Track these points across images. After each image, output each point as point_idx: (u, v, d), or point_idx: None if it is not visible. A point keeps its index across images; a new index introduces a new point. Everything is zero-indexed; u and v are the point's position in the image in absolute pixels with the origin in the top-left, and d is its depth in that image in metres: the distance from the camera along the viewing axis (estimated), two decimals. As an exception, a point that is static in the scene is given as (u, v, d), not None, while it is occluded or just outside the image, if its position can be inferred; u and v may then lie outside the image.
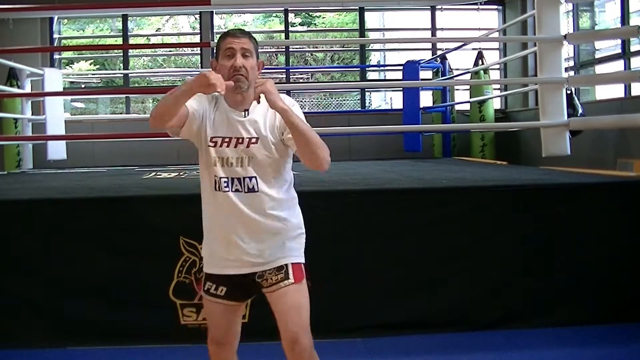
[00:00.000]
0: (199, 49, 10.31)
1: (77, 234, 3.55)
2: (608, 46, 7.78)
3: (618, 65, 7.27)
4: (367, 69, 10.76)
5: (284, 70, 10.47)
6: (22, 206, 3.72)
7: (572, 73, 7.60)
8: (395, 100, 11.27)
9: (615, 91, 7.34)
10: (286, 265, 2.26)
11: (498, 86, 9.73)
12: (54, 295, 3.51)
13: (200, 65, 10.16)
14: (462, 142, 9.05)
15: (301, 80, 11.99)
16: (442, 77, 8.97)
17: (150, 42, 11.98)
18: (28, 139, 8.13)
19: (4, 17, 7.75)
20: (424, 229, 3.68)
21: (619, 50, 7.16)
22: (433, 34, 9.93)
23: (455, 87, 9.31)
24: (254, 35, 2.32)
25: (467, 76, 8.98)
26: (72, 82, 10.16)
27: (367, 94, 10.65)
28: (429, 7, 9.92)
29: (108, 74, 11.54)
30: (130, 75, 10.20)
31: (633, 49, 6.99)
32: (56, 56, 9.90)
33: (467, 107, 9.14)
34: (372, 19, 11.82)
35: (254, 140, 2.23)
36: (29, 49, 8.50)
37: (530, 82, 8.20)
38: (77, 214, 3.62)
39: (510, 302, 3.70)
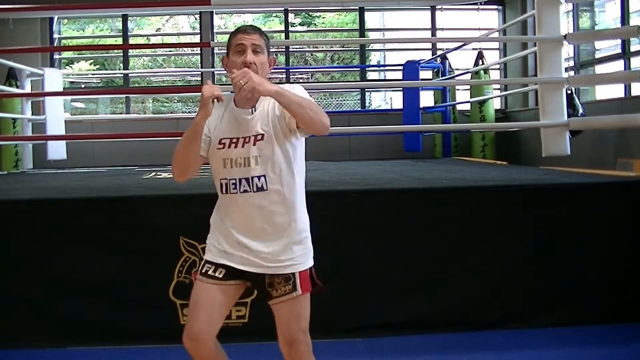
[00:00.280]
0: (199, 49, 10.31)
1: (77, 234, 3.55)
2: (608, 46, 7.78)
3: (618, 65, 7.27)
4: (367, 69, 10.76)
5: (284, 70, 10.47)
6: (22, 206, 3.72)
7: (572, 73, 7.60)
8: (395, 100, 11.27)
9: (615, 91, 7.34)
10: (294, 275, 2.24)
11: (498, 86, 9.73)
12: (54, 295, 3.51)
13: (200, 65, 10.16)
14: (463, 142, 9.06)
15: (301, 80, 11.99)
16: (442, 77, 8.97)
17: (150, 42, 11.99)
18: (28, 139, 8.14)
19: (4, 17, 7.75)
20: (424, 229, 3.68)
21: (619, 50, 7.17)
22: (433, 34, 9.94)
23: (456, 87, 9.31)
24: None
25: (467, 76, 8.98)
26: (72, 82, 10.17)
27: (367, 94, 10.65)
28: (429, 7, 9.93)
29: (108, 74, 11.54)
30: (130, 75, 10.21)
31: (633, 49, 6.99)
32: (56, 56, 9.90)
33: (467, 107, 9.14)
34: (372, 19, 11.83)
35: (259, 137, 2.22)
36: (29, 49, 8.50)
37: (530, 82, 8.20)
38: (77, 214, 3.62)
39: (510, 302, 3.70)
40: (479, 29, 8.72)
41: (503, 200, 3.76)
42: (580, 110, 5.38)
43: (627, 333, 3.56)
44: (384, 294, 3.62)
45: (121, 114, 10.68)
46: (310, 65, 12.97)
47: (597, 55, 8.06)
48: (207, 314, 2.24)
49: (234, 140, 2.24)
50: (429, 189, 3.98)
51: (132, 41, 10.47)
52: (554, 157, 5.05)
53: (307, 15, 12.97)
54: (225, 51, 2.33)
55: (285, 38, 10.27)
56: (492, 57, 9.88)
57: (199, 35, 10.23)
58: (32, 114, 8.17)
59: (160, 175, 5.76)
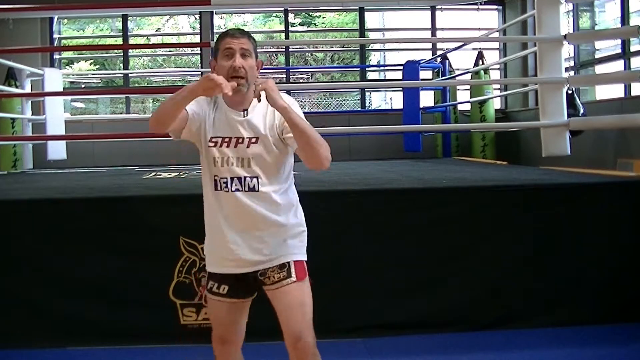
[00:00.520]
0: (199, 49, 10.32)
1: (77, 234, 3.55)
2: (608, 46, 7.78)
3: (618, 65, 7.27)
4: (367, 69, 10.76)
5: (284, 70, 10.47)
6: (22, 206, 3.72)
7: (572, 73, 7.60)
8: (395, 100, 11.27)
9: (615, 91, 7.34)
10: (288, 263, 2.26)
11: (498, 86, 9.73)
12: (54, 295, 3.51)
13: (200, 65, 10.17)
14: (463, 142, 9.06)
15: (301, 80, 11.99)
16: (442, 77, 8.97)
17: (150, 42, 11.99)
18: (28, 139, 8.13)
19: (4, 17, 7.74)
20: (424, 229, 3.68)
21: (619, 50, 7.17)
22: (433, 34, 9.93)
23: (457, 87, 9.31)
24: (252, 34, 2.33)
25: (468, 76, 8.98)
26: (72, 82, 10.17)
27: (367, 94, 10.65)
28: (429, 7, 9.92)
29: (108, 74, 11.54)
30: (130, 75, 10.20)
31: (633, 49, 6.99)
32: (56, 56, 9.90)
33: (467, 107, 9.14)
34: (372, 19, 11.83)
35: (254, 140, 2.23)
36: (29, 49, 8.50)
37: (530, 82, 8.20)
38: (77, 214, 3.62)
39: (510, 302, 3.70)
40: (479, 29, 8.72)
41: (503, 200, 3.76)
42: (582, 110, 5.38)
43: (627, 333, 3.56)
44: (384, 294, 3.62)
45: (121, 114, 10.68)
46: (310, 65, 12.97)
47: (597, 55, 8.06)
48: (229, 321, 2.34)
49: (226, 139, 2.24)
50: (429, 189, 3.98)
51: (132, 41, 10.47)
52: (554, 157, 5.04)
53: (307, 15, 12.97)
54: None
55: (285, 38, 10.27)
56: (492, 57, 9.88)
57: (199, 35, 10.23)
58: (32, 114, 8.17)
59: (160, 175, 5.76)
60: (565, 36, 4.98)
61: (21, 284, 3.51)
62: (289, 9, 10.13)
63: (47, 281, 3.52)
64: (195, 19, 11.12)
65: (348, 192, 3.81)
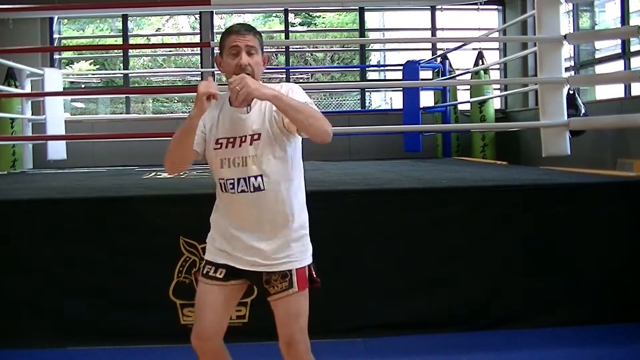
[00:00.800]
0: (199, 49, 10.32)
1: (77, 234, 3.55)
2: (608, 46, 7.79)
3: (618, 65, 7.27)
4: (367, 69, 10.76)
5: (284, 70, 10.48)
6: (22, 206, 3.72)
7: (572, 73, 7.60)
8: (395, 100, 11.27)
9: (615, 91, 7.34)
10: (290, 272, 2.25)
11: (498, 86, 9.73)
12: (54, 295, 3.51)
13: (200, 65, 10.17)
14: (463, 142, 9.06)
15: (301, 80, 11.99)
16: (442, 77, 8.97)
17: (150, 42, 11.99)
18: (28, 139, 8.13)
19: (4, 17, 7.75)
20: (424, 229, 3.68)
21: (619, 50, 7.17)
22: (433, 34, 9.94)
23: (458, 87, 9.31)
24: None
25: (467, 76, 8.98)
26: (72, 82, 10.17)
27: (367, 94, 10.65)
28: (429, 7, 9.93)
29: (108, 74, 11.54)
30: (130, 75, 10.21)
31: (633, 49, 6.99)
32: (56, 56, 9.90)
33: (467, 107, 9.15)
34: (372, 19, 11.83)
35: (256, 136, 2.21)
36: (29, 49, 8.50)
37: (530, 82, 8.20)
38: (77, 214, 3.62)
39: (510, 302, 3.70)
40: (479, 29, 8.72)
41: (503, 200, 3.76)
42: (583, 111, 5.38)
43: (627, 333, 3.56)
44: (384, 294, 3.62)
45: (121, 114, 10.68)
46: (310, 65, 12.97)
47: (597, 55, 8.07)
48: (213, 314, 2.28)
49: (231, 140, 2.24)
50: (429, 189, 3.98)
51: (132, 41, 10.47)
52: (554, 157, 5.04)
53: (307, 15, 12.97)
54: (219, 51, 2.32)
55: (285, 38, 10.27)
56: (492, 57, 9.88)
57: (199, 35, 10.23)
58: (32, 114, 8.17)
59: (160, 175, 5.76)
60: (565, 36, 4.98)
61: (21, 284, 3.51)
62: (289, 9, 10.13)
63: (47, 281, 3.52)
64: (195, 19, 11.12)
65: (348, 192, 3.81)
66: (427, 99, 9.48)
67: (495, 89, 9.43)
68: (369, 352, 3.39)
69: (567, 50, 5.28)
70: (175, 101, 12.33)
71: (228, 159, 2.23)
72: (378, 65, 11.82)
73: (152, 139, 7.36)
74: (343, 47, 12.04)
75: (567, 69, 5.48)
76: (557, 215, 3.75)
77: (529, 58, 8.88)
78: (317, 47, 12.23)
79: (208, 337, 2.28)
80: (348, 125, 7.89)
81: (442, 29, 10.01)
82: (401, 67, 9.03)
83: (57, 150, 7.91)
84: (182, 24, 12.62)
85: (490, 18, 10.15)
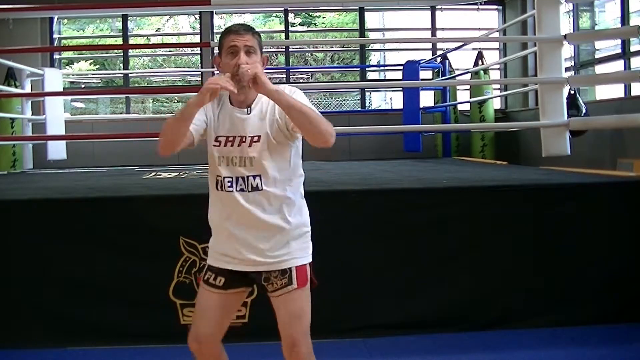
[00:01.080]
0: (199, 49, 10.32)
1: (77, 234, 3.55)
2: (608, 46, 7.79)
3: (618, 65, 7.27)
4: (367, 69, 10.76)
5: (284, 70, 10.48)
6: (22, 206, 3.72)
7: (572, 73, 7.60)
8: (395, 100, 11.27)
9: (615, 91, 7.34)
10: (290, 269, 2.24)
11: (498, 86, 9.73)
12: (54, 295, 3.51)
13: (200, 65, 10.17)
14: (463, 142, 9.06)
15: (301, 80, 11.99)
16: (442, 77, 8.97)
17: (150, 42, 11.98)
18: (28, 139, 8.14)
19: (4, 17, 7.75)
20: (424, 229, 3.68)
21: (619, 50, 7.17)
22: (433, 34, 9.94)
23: (457, 87, 9.31)
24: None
25: (467, 76, 8.98)
26: (72, 82, 10.17)
27: (367, 94, 10.65)
28: (429, 7, 9.93)
29: (108, 74, 11.54)
30: (130, 75, 10.21)
31: (633, 49, 6.99)
32: (56, 56, 9.91)
33: (467, 107, 9.15)
34: (372, 19, 11.82)
35: (256, 138, 2.21)
36: (29, 49, 8.50)
37: (530, 82, 8.20)
38: (77, 214, 3.62)
39: (510, 302, 3.69)
40: (479, 29, 8.72)
41: (503, 200, 3.76)
42: (584, 111, 5.38)
43: (627, 333, 3.56)
44: (384, 294, 3.62)
45: (121, 114, 10.68)
46: (310, 65, 12.96)
47: (597, 55, 8.07)
48: (211, 320, 2.29)
49: (230, 138, 2.23)
50: (429, 189, 3.98)
51: (132, 41, 10.48)
52: (554, 157, 5.04)
53: (307, 15, 12.96)
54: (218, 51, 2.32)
55: (285, 38, 10.28)
56: (492, 57, 9.89)
57: (199, 35, 10.24)
58: (32, 114, 8.17)
59: (160, 175, 5.76)
60: (565, 36, 4.98)
61: (21, 284, 3.51)
62: (289, 9, 10.14)
63: (47, 281, 3.52)
64: (195, 19, 11.12)
65: (348, 192, 3.81)
66: (427, 99, 9.48)
67: (495, 89, 9.43)
68: (369, 352, 3.39)
69: (567, 50, 5.28)
70: (175, 101, 12.32)
71: (226, 157, 2.23)
72: (378, 65, 11.82)
73: (152, 139, 7.35)
74: (343, 47, 12.04)
75: (567, 69, 5.49)
76: (557, 216, 3.75)
77: (529, 58, 8.89)
78: (317, 47, 12.23)
79: (206, 341, 2.28)
80: (348, 125, 7.89)
81: (442, 29, 10.02)
82: (401, 67, 9.03)
83: (57, 150, 7.91)
84: (182, 24, 12.61)
85: (490, 18, 10.16)
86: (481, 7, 8.51)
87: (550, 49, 5.02)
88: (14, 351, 3.39)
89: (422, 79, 8.96)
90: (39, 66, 8.67)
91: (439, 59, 9.19)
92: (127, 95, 10.15)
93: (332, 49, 12.26)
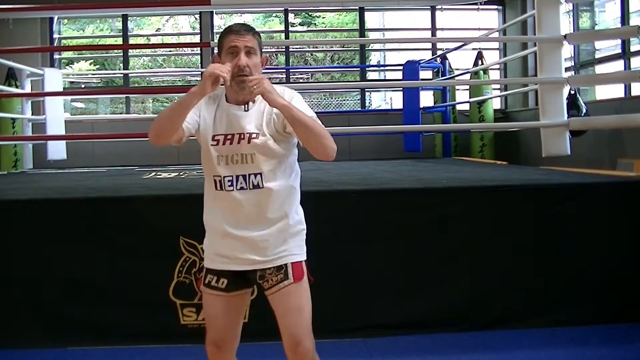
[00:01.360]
0: (199, 49, 10.32)
1: (77, 234, 3.55)
2: (608, 46, 7.79)
3: (618, 65, 7.27)
4: (367, 69, 10.76)
5: (284, 70, 10.47)
6: (22, 206, 3.72)
7: (572, 73, 7.60)
8: (395, 100, 11.27)
9: (615, 91, 7.34)
10: (285, 265, 2.24)
11: (498, 86, 9.73)
12: (54, 295, 3.51)
13: (200, 65, 10.17)
14: (462, 142, 9.06)
15: (301, 80, 11.99)
16: (442, 77, 8.97)
17: (150, 42, 11.98)
18: (28, 139, 8.14)
19: (4, 17, 7.74)
20: (424, 229, 3.68)
21: (619, 50, 7.17)
22: (433, 34, 9.94)
23: (456, 87, 9.31)
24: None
25: (467, 76, 8.98)
26: (72, 82, 10.17)
27: (367, 94, 10.65)
28: (429, 7, 9.93)
29: (108, 74, 11.54)
30: (130, 75, 10.21)
31: (633, 49, 6.99)
32: (56, 56, 9.91)
33: (466, 107, 9.14)
34: (372, 19, 11.83)
35: (254, 135, 2.21)
36: (29, 49, 8.50)
37: (530, 82, 8.20)
38: (77, 214, 3.62)
39: (510, 302, 3.69)
40: (479, 29, 8.72)
41: (503, 200, 3.76)
42: (584, 111, 5.38)
43: (627, 333, 3.56)
44: (384, 294, 3.62)
45: (121, 114, 10.68)
46: (310, 65, 12.97)
47: (597, 55, 8.07)
48: (223, 324, 2.29)
49: (229, 137, 2.22)
50: (429, 189, 3.98)
51: (132, 41, 10.47)
52: (554, 157, 5.04)
53: (307, 15, 12.97)
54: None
55: (285, 38, 10.27)
56: (492, 57, 9.88)
57: (199, 35, 10.24)
58: (32, 114, 8.17)
59: (160, 175, 5.76)
60: (565, 36, 4.98)
61: (21, 284, 3.51)
62: (289, 9, 10.13)
63: (47, 281, 3.52)
64: (195, 19, 11.12)
65: (348, 192, 3.80)
66: (426, 99, 9.48)
67: (495, 89, 9.43)
68: (369, 352, 3.39)
69: (567, 50, 5.28)
70: (175, 101, 12.31)
71: (225, 156, 2.22)
72: (378, 65, 11.82)
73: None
74: (343, 47, 12.04)
75: (567, 69, 5.48)
76: (557, 216, 3.75)
77: (529, 58, 8.88)
78: (317, 47, 12.23)
79: (222, 346, 2.28)
80: (348, 125, 7.90)
81: (442, 29, 10.01)
82: (401, 67, 9.03)
83: (57, 150, 7.91)
84: (182, 24, 12.61)
85: (490, 18, 10.15)
86: (481, 7, 8.50)
87: (550, 49, 5.02)
88: (14, 351, 3.39)
89: (422, 79, 8.96)
90: (39, 66, 8.67)
91: (439, 59, 9.19)
92: (127, 95, 10.14)
93: (332, 49, 12.26)
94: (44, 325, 3.50)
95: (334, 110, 11.01)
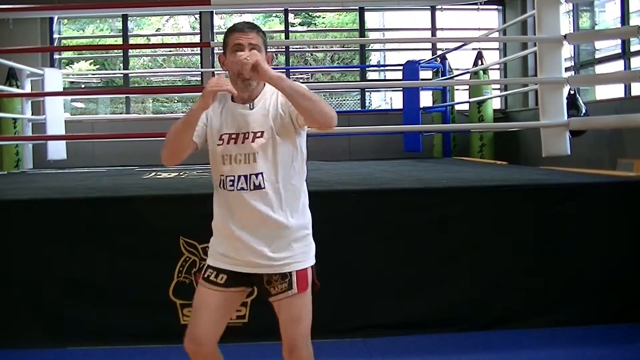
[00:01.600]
0: (199, 49, 10.31)
1: (77, 234, 3.55)
2: (608, 46, 7.79)
3: (618, 65, 7.27)
4: (367, 69, 10.76)
5: (284, 70, 10.47)
6: (22, 206, 3.72)
7: (572, 73, 7.60)
8: (395, 100, 11.27)
9: (615, 91, 7.34)
10: (290, 273, 2.23)
11: (498, 86, 9.73)
12: (54, 295, 3.51)
13: (200, 65, 10.16)
14: (462, 142, 9.06)
15: (301, 80, 11.98)
16: (442, 77, 8.97)
17: (150, 42, 11.98)
18: (28, 139, 8.13)
19: (4, 17, 7.74)
20: (424, 229, 3.68)
21: (619, 50, 7.17)
22: (433, 34, 9.94)
23: (455, 87, 9.31)
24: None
25: (467, 76, 8.98)
26: (72, 82, 10.17)
27: (367, 94, 10.65)
28: (429, 7, 9.93)
29: (108, 74, 11.54)
30: (130, 75, 10.21)
31: (633, 49, 6.99)
32: (56, 56, 9.91)
33: (466, 107, 9.14)
34: (372, 19, 11.83)
35: (259, 134, 2.20)
36: (29, 49, 8.50)
37: (530, 82, 8.20)
38: (77, 214, 3.61)
39: (510, 302, 3.70)
40: (479, 29, 8.72)
41: (503, 200, 3.76)
42: (584, 111, 5.38)
43: (627, 333, 3.56)
44: (384, 294, 3.62)
45: (121, 114, 10.68)
46: (310, 65, 12.97)
47: (597, 55, 8.06)
48: (209, 319, 2.26)
49: (233, 136, 2.22)
50: (429, 189, 3.98)
51: (132, 41, 10.47)
52: (554, 157, 5.04)
53: (307, 15, 12.96)
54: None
55: (285, 38, 10.27)
56: (492, 57, 9.88)
57: (199, 35, 10.23)
58: (32, 114, 8.17)
59: (160, 175, 5.76)
60: (565, 36, 4.98)
61: (21, 284, 3.51)
62: (289, 9, 10.13)
63: (47, 281, 3.52)
64: (195, 19, 11.12)
65: (348, 192, 3.80)
66: (427, 99, 9.48)
67: (495, 89, 9.43)
68: (369, 352, 3.39)
69: (567, 50, 5.28)
70: (175, 101, 12.32)
71: (230, 156, 2.22)
72: (378, 65, 11.82)
73: (152, 139, 7.36)
74: (343, 47, 12.03)
75: (567, 69, 5.48)
76: (557, 216, 3.75)
77: (529, 58, 8.88)
78: (317, 47, 12.23)
79: (202, 343, 2.25)
80: (348, 125, 7.89)
81: (442, 29, 10.01)
82: (401, 67, 9.03)
83: (57, 150, 7.91)
84: (182, 24, 12.61)
85: (490, 18, 10.15)
86: (481, 7, 8.50)
87: (550, 49, 5.02)
88: (14, 351, 3.39)
89: (422, 79, 8.96)
90: (39, 66, 8.66)
91: (438, 59, 9.18)
92: (127, 95, 10.14)
93: (332, 49, 12.26)
94: (44, 325, 3.50)
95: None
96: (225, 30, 2.30)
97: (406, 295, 3.64)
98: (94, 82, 10.96)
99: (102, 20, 12.03)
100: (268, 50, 2.29)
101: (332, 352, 3.24)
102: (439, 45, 9.95)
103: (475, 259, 3.69)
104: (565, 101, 5.00)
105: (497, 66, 9.98)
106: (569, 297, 3.70)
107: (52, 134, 7.79)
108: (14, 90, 7.77)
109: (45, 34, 9.55)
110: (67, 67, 11.16)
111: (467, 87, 9.26)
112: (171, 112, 11.90)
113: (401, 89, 9.37)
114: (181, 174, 5.79)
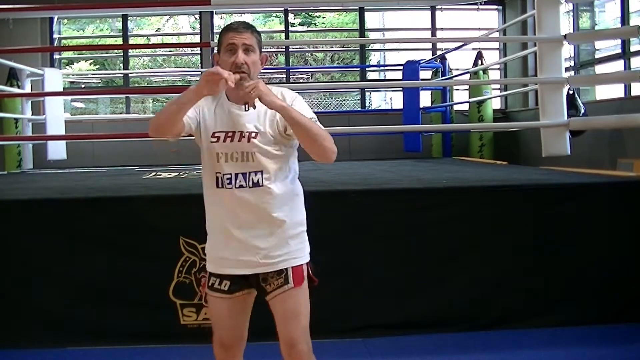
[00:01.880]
0: (199, 49, 10.32)
1: (77, 234, 3.55)
2: (608, 46, 7.79)
3: (618, 65, 7.27)
4: (367, 69, 10.76)
5: (284, 70, 10.47)
6: (22, 206, 3.72)
7: (572, 73, 7.60)
8: (395, 100, 11.27)
9: (615, 91, 7.34)
10: (286, 269, 2.24)
11: (498, 86, 9.73)
12: (54, 295, 3.51)
13: (200, 65, 10.17)
14: (461, 142, 9.05)
15: (301, 80, 11.98)
16: (441, 77, 8.97)
17: (150, 42, 11.98)
18: (28, 139, 8.13)
19: (4, 17, 7.74)
20: (424, 229, 3.68)
21: (619, 50, 7.17)
22: (433, 34, 9.94)
23: (455, 87, 9.31)
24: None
25: (467, 76, 8.98)
26: (72, 82, 10.17)
27: (367, 94, 10.65)
28: (429, 7, 9.93)
29: (108, 74, 11.54)
30: (130, 75, 10.21)
31: (633, 49, 6.99)
32: (56, 56, 9.91)
33: (466, 107, 9.14)
34: (372, 19, 11.82)
35: (254, 134, 2.20)
36: (29, 49, 8.50)
37: (530, 82, 8.20)
38: (77, 214, 3.62)
39: (510, 302, 3.70)
40: (479, 29, 8.72)
41: (503, 200, 3.76)
42: (582, 110, 5.38)
43: (627, 333, 3.57)
44: (384, 294, 3.62)
45: (121, 114, 10.68)
46: (310, 65, 12.96)
47: (597, 55, 8.06)
48: (227, 325, 2.31)
49: (229, 134, 2.22)
50: (429, 189, 3.98)
51: (132, 41, 10.47)
52: (554, 157, 5.04)
53: (307, 15, 12.96)
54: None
55: (285, 38, 10.27)
56: (492, 57, 9.88)
57: (199, 35, 10.24)
58: (32, 114, 8.17)
59: (160, 175, 5.76)
60: (565, 36, 4.98)
61: (21, 284, 3.51)
62: (289, 9, 10.13)
63: (47, 281, 3.52)
64: (195, 19, 11.12)
65: (348, 192, 3.81)
66: (427, 99, 9.48)
67: (495, 89, 9.43)
68: (369, 352, 3.39)
69: (567, 50, 5.28)
70: (175, 98, 12.30)
71: (226, 154, 2.22)
72: (378, 65, 11.81)
73: (152, 139, 7.37)
74: (343, 47, 12.03)
75: (567, 69, 5.48)
76: (557, 216, 3.75)
77: (529, 58, 8.88)
78: (317, 47, 12.23)
79: (230, 344, 2.30)
80: (348, 125, 7.90)
81: (442, 29, 10.01)
82: (401, 67, 9.03)
83: (57, 150, 7.91)
84: (182, 24, 12.61)
85: (490, 18, 10.15)
86: (481, 7, 8.50)
87: (550, 49, 5.02)
88: (14, 351, 3.40)
89: (422, 79, 8.96)
90: (39, 66, 8.66)
91: (438, 59, 9.18)
92: (127, 95, 10.14)
93: (332, 49, 12.26)
94: (44, 325, 3.50)
95: (334, 110, 11.01)
96: (228, 23, 2.29)
97: (406, 295, 3.64)
98: (94, 82, 10.96)
99: (102, 20, 12.03)
100: (262, 50, 2.28)
101: (332, 352, 3.23)
102: (439, 45, 9.95)
103: (475, 259, 3.69)
104: (565, 101, 4.99)
105: (497, 66, 9.97)
106: (569, 297, 3.70)
107: (52, 134, 7.78)
108: (15, 90, 7.77)
109: (45, 34, 9.55)
110: (67, 67, 11.16)
111: (467, 87, 9.26)
112: (171, 112, 11.86)
113: (401, 89, 9.38)
114: (181, 174, 5.79)
